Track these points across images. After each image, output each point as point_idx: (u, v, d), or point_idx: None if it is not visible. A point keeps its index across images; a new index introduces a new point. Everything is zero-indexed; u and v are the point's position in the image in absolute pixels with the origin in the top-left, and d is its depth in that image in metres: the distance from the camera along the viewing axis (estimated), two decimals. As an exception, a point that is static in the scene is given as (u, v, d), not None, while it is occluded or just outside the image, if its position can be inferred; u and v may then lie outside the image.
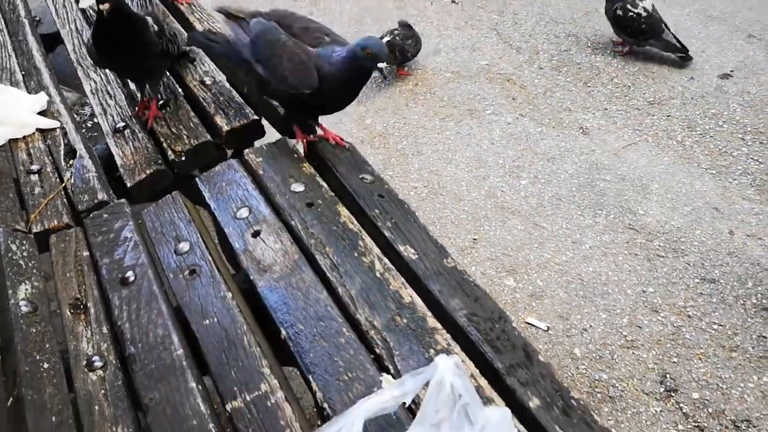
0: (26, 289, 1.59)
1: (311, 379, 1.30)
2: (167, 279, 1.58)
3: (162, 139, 2.04)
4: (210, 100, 2.13)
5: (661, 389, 2.18)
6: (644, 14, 3.52)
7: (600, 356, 2.29)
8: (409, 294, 1.43)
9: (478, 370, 1.27)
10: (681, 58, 3.58)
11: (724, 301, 2.42)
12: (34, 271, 1.66)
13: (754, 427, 2.05)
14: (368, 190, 1.72)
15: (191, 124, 2.08)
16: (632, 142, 3.20)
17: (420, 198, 3.02)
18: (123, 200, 1.85)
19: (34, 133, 2.16)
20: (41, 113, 2.24)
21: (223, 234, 1.68)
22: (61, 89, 2.45)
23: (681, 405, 2.13)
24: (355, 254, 1.54)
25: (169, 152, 1.99)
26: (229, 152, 2.13)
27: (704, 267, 2.54)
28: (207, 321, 1.45)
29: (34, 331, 1.49)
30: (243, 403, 1.29)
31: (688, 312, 2.39)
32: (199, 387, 1.33)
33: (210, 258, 1.59)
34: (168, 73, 2.28)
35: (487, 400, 1.21)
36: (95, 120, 2.26)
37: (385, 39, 3.65)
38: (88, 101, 2.41)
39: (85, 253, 1.69)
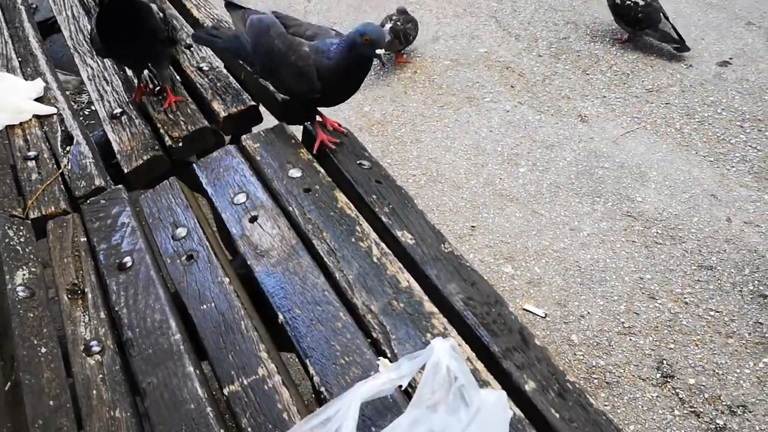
0: (23, 275, 1.59)
1: (308, 364, 1.30)
2: (165, 264, 1.58)
3: (159, 125, 2.03)
4: (207, 86, 2.13)
5: (658, 375, 2.19)
6: (642, 3, 3.51)
7: (597, 342, 2.30)
8: (406, 279, 1.43)
9: (474, 354, 1.27)
10: (676, 49, 3.57)
11: (721, 287, 2.42)
12: (31, 256, 1.66)
13: (749, 412, 2.06)
14: (366, 175, 1.72)
15: (188, 110, 2.07)
16: (631, 130, 3.20)
17: (418, 186, 3.02)
18: (120, 186, 1.85)
19: (30, 120, 2.15)
20: (38, 100, 2.23)
21: (221, 219, 1.68)
22: (57, 73, 2.44)
23: (677, 390, 2.14)
24: (353, 239, 1.54)
25: (167, 138, 1.99)
26: (227, 138, 2.13)
27: (701, 254, 2.55)
28: (204, 306, 1.45)
29: (32, 316, 1.49)
30: (240, 386, 1.29)
31: (685, 299, 2.40)
32: (197, 371, 1.33)
33: (207, 243, 1.59)
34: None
35: (483, 384, 1.21)
36: (93, 107, 2.24)
37: (387, 25, 3.65)
38: (85, 89, 2.40)
39: (83, 239, 1.69)
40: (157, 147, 1.98)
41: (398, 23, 3.68)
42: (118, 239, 1.65)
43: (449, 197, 2.94)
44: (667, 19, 3.52)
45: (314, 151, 1.81)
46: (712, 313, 2.35)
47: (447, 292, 1.40)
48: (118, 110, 2.13)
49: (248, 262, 1.53)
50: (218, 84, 2.13)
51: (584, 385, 2.14)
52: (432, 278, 1.44)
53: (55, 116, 2.17)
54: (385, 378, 1.12)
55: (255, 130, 2.02)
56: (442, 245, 1.51)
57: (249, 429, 1.22)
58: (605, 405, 2.11)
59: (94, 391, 1.33)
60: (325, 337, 1.33)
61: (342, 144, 1.82)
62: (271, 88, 2.02)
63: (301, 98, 1.80)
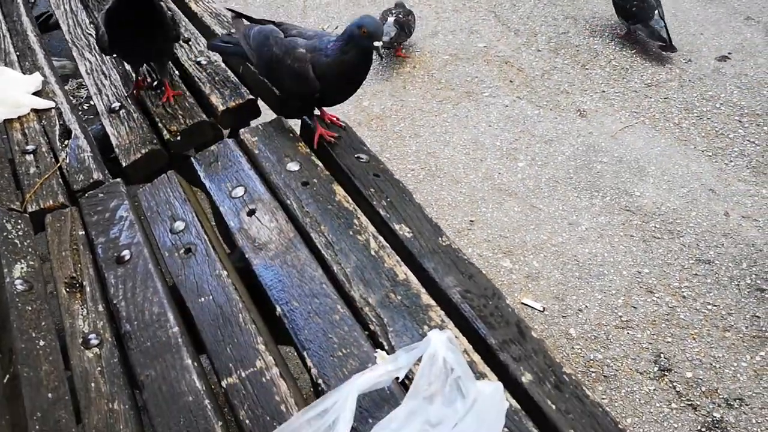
0: (22, 268, 1.59)
1: (306, 356, 1.31)
2: (163, 258, 1.59)
3: (157, 119, 2.03)
4: (205, 79, 2.13)
5: (655, 369, 2.19)
6: None
7: (595, 336, 2.30)
8: (403, 271, 1.43)
9: (471, 346, 1.28)
10: (662, 47, 3.54)
11: (718, 281, 2.43)
12: (30, 250, 1.66)
13: (746, 405, 2.06)
14: (364, 169, 1.72)
15: (187, 104, 2.07)
16: (629, 125, 3.20)
17: (417, 180, 3.02)
18: (118, 180, 1.85)
19: (29, 114, 2.15)
20: (36, 93, 2.23)
21: (219, 213, 1.68)
22: (52, 60, 2.44)
23: (674, 384, 2.14)
24: (350, 232, 1.54)
25: (165, 132, 1.99)
26: (225, 132, 2.13)
27: (699, 248, 2.55)
28: (202, 299, 1.46)
29: (30, 309, 1.49)
30: (238, 379, 1.29)
31: (683, 292, 2.40)
32: (195, 364, 1.34)
33: (205, 237, 1.59)
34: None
35: (480, 375, 1.22)
36: (92, 102, 2.24)
37: (390, 18, 3.65)
38: (84, 83, 2.40)
39: (81, 233, 1.69)
40: (155, 141, 1.98)
41: (400, 16, 3.69)
42: (117, 233, 1.66)
43: (448, 192, 2.94)
44: (662, 18, 3.50)
45: (314, 146, 1.81)
46: (709, 306, 2.35)
47: (444, 284, 1.40)
48: (116, 104, 2.13)
49: (246, 255, 1.53)
50: (216, 78, 2.13)
51: (582, 379, 2.15)
52: (429, 271, 1.44)
53: (53, 110, 2.17)
54: (383, 370, 1.13)
55: (253, 123, 2.02)
56: (440, 238, 1.52)
57: (247, 421, 1.22)
58: (603, 398, 2.12)
59: (93, 384, 1.33)
60: (323, 329, 1.34)
61: (340, 138, 1.83)
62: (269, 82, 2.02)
63: (303, 99, 1.80)
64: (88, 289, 1.54)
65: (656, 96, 3.33)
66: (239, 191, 1.70)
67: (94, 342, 1.41)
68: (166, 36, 2.02)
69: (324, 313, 1.37)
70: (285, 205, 1.65)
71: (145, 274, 1.53)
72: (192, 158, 1.85)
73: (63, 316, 1.48)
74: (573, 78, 3.54)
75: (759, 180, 2.81)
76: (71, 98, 2.31)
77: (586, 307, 2.40)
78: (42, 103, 2.18)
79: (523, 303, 2.44)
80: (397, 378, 1.17)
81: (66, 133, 2.07)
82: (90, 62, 2.36)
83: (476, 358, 1.25)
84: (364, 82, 1.78)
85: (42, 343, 1.42)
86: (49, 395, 1.32)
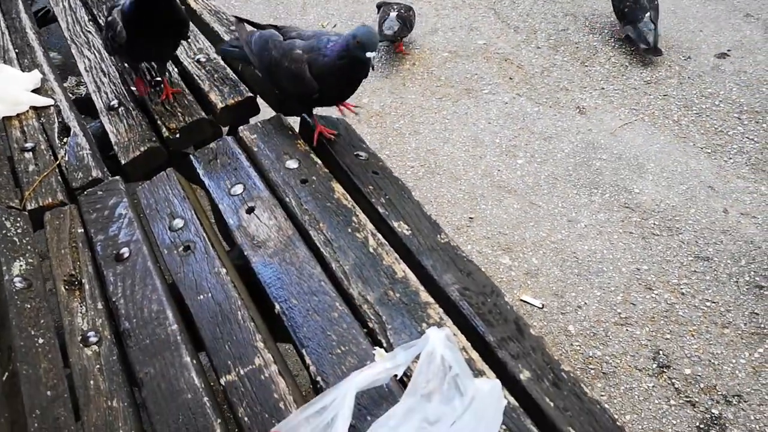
0: (20, 266, 1.60)
1: (305, 353, 1.31)
2: (162, 255, 1.59)
3: (156, 117, 2.04)
4: (204, 77, 2.13)
5: (654, 365, 2.20)
6: None
7: (594, 333, 2.31)
8: (402, 269, 1.44)
9: (469, 344, 1.28)
10: (645, 50, 3.52)
11: (717, 278, 2.43)
12: (29, 248, 1.67)
13: (744, 402, 2.07)
14: (362, 166, 1.72)
15: (185, 102, 2.08)
16: (629, 122, 3.20)
17: (417, 177, 3.02)
18: (117, 177, 1.85)
19: (27, 111, 2.15)
20: (35, 91, 2.23)
21: (218, 210, 1.68)
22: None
23: (673, 381, 2.15)
24: (349, 230, 1.54)
25: (164, 129, 1.99)
26: (224, 129, 2.13)
27: (698, 245, 2.55)
28: (201, 296, 1.46)
29: (29, 306, 1.49)
30: (237, 376, 1.30)
31: (682, 289, 2.41)
32: (194, 361, 1.34)
33: (204, 234, 1.60)
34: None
35: (478, 373, 1.22)
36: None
37: (393, 14, 3.66)
38: (83, 81, 2.40)
39: (80, 230, 1.69)
40: (154, 138, 1.98)
41: (402, 11, 3.70)
42: (116, 230, 1.66)
43: (447, 189, 2.94)
44: (652, 21, 3.47)
45: (314, 143, 1.81)
46: (708, 303, 2.36)
47: (443, 282, 1.41)
48: (115, 101, 2.13)
49: (245, 253, 1.54)
50: (215, 75, 2.13)
51: (581, 376, 2.16)
52: (428, 268, 1.44)
53: (52, 107, 2.17)
54: (381, 367, 1.13)
55: (252, 121, 2.02)
56: (438, 236, 1.52)
57: (246, 419, 1.23)
58: (602, 395, 2.12)
59: (92, 382, 1.34)
60: (322, 327, 1.34)
61: (339, 135, 1.83)
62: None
63: (301, 100, 1.80)
64: (87, 286, 1.54)
65: (655, 93, 3.33)
66: (238, 189, 1.70)
67: (93, 339, 1.42)
68: (182, 34, 2.02)
69: (323, 310, 1.37)
70: (284, 202, 1.65)
71: (144, 272, 1.53)
72: (191, 156, 1.85)
73: (62, 313, 1.48)
74: (572, 75, 3.54)
75: (758, 177, 2.81)
76: (69, 94, 2.31)
77: (585, 304, 2.41)
78: (41, 101, 2.18)
79: (522, 300, 2.44)
80: (396, 375, 1.17)
81: (65, 130, 2.07)
82: (89, 59, 2.36)
83: (474, 355, 1.26)
84: (363, 80, 1.78)
85: (41, 340, 1.43)
86: (48, 393, 1.33)
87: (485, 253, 2.64)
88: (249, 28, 1.94)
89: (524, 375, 1.22)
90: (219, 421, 1.23)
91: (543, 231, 2.70)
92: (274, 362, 1.30)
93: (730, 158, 2.92)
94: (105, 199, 1.76)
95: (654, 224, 2.66)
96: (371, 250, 1.49)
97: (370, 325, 1.34)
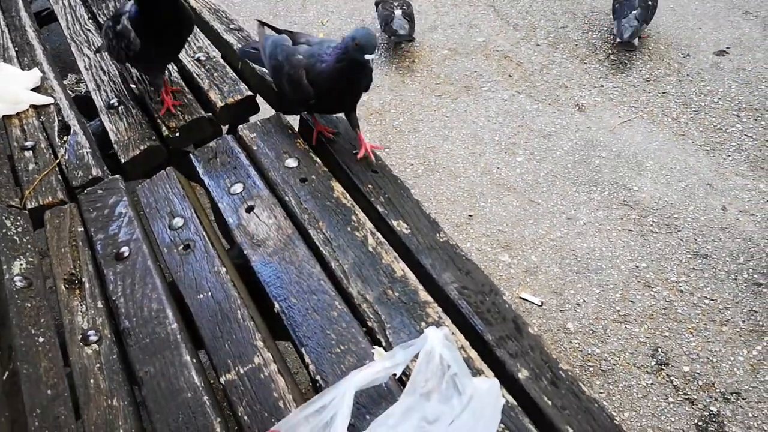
0: (21, 265, 1.60)
1: (304, 352, 1.32)
2: (161, 254, 1.60)
3: (156, 115, 2.04)
4: (204, 76, 2.13)
5: (653, 363, 2.20)
6: None
7: (593, 331, 2.31)
8: (401, 268, 1.44)
9: (468, 343, 1.29)
10: (618, 43, 3.53)
11: (716, 276, 2.43)
12: (29, 246, 1.67)
13: (743, 399, 2.08)
14: (362, 165, 1.73)
15: (185, 100, 2.08)
16: (628, 119, 3.20)
17: (416, 175, 3.03)
18: (117, 176, 1.85)
19: (27, 110, 2.16)
20: (35, 89, 2.24)
21: (218, 209, 1.69)
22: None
23: (672, 378, 2.15)
24: (348, 229, 1.55)
25: (163, 128, 1.99)
26: (224, 128, 2.14)
27: (697, 242, 2.56)
28: (201, 295, 1.46)
29: (29, 305, 1.50)
30: (237, 375, 1.30)
31: (681, 287, 2.41)
32: (194, 360, 1.35)
33: (204, 233, 1.60)
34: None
35: (477, 372, 1.23)
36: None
37: (397, 11, 3.65)
38: (82, 78, 2.40)
39: (80, 229, 1.70)
40: (154, 137, 1.99)
41: (404, 7, 3.70)
42: (116, 229, 1.66)
43: (447, 186, 2.95)
44: (637, 19, 3.45)
45: (313, 142, 1.82)
46: (706, 301, 2.36)
47: (442, 281, 1.41)
48: (115, 100, 2.13)
49: (245, 252, 1.54)
50: (215, 74, 2.13)
51: (580, 373, 2.17)
52: (427, 267, 1.45)
53: (51, 106, 2.17)
54: (380, 366, 1.14)
55: (252, 119, 2.02)
56: (437, 234, 1.52)
57: (245, 417, 1.23)
58: (600, 392, 2.13)
59: (92, 380, 1.34)
60: (321, 326, 1.35)
61: (339, 134, 1.83)
62: (268, 78, 2.02)
63: (299, 105, 1.80)
64: (87, 285, 1.55)
65: (654, 91, 3.33)
66: (238, 187, 1.70)
67: (93, 338, 1.42)
68: (189, 28, 2.01)
69: (322, 309, 1.38)
70: (283, 201, 1.65)
71: (144, 271, 1.54)
72: (191, 154, 1.86)
73: (62, 312, 1.49)
74: (572, 72, 3.54)
75: (756, 174, 2.82)
76: (69, 93, 2.31)
77: (584, 301, 2.41)
78: (41, 99, 2.18)
79: (521, 297, 2.45)
80: (395, 374, 1.18)
81: (65, 129, 2.07)
82: (89, 58, 2.37)
83: (473, 354, 1.26)
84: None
85: (41, 339, 1.43)
86: (49, 392, 1.33)
87: (484, 250, 2.64)
88: (268, 31, 1.94)
89: (522, 374, 1.23)
90: (219, 419, 1.24)
91: (542, 229, 2.70)
92: (273, 361, 1.31)
93: (729, 156, 2.93)
94: (105, 197, 1.76)
95: (653, 222, 2.67)
96: (370, 249, 1.49)
97: (369, 324, 1.34)
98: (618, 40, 3.48)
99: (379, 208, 1.60)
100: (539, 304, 2.42)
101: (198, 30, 2.36)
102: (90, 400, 1.31)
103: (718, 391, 2.11)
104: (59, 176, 1.92)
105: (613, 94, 3.35)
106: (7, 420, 1.32)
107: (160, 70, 2.08)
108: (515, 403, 1.19)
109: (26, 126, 2.10)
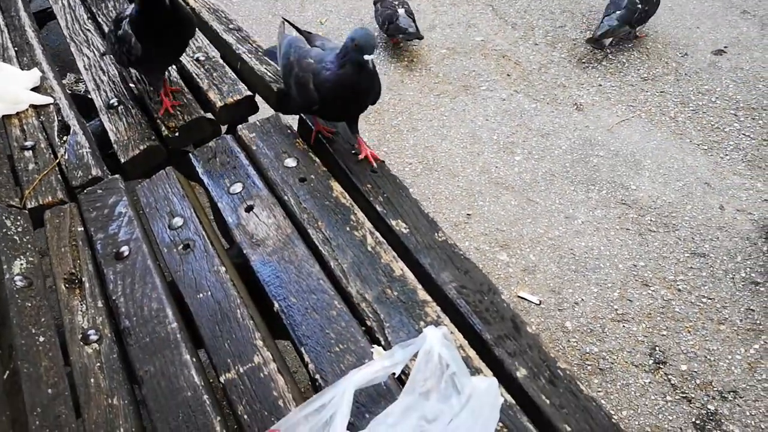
0: (21, 264, 1.61)
1: (303, 351, 1.32)
2: (161, 253, 1.60)
3: (155, 115, 2.04)
4: (203, 75, 2.14)
5: (650, 361, 2.21)
6: None
7: (591, 329, 2.32)
8: (400, 267, 1.45)
9: (467, 342, 1.29)
10: (588, 39, 3.59)
11: (713, 275, 2.44)
12: (29, 246, 1.68)
13: (740, 397, 2.08)
14: (361, 165, 1.73)
15: (184, 100, 2.08)
16: (626, 118, 3.21)
17: (415, 174, 3.03)
18: (117, 176, 1.86)
19: (27, 110, 2.16)
20: (34, 89, 2.24)
21: (217, 209, 1.70)
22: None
23: (669, 377, 2.16)
24: (347, 228, 1.55)
25: (163, 128, 2.00)
26: (223, 128, 2.14)
27: (694, 241, 2.57)
28: (201, 295, 1.47)
29: (30, 305, 1.51)
30: (236, 374, 1.31)
31: (678, 286, 2.42)
32: (194, 359, 1.35)
33: (203, 233, 1.61)
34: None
35: (475, 371, 1.23)
36: (89, 96, 2.24)
37: (401, 9, 3.66)
38: (81, 77, 2.40)
39: (80, 229, 1.70)
40: (153, 137, 1.99)
41: (405, 4, 3.71)
42: (115, 229, 1.67)
43: (445, 185, 2.95)
44: (617, 20, 3.46)
45: (311, 142, 1.82)
46: (704, 300, 2.37)
47: (440, 280, 1.42)
48: (114, 100, 2.14)
49: (244, 251, 1.55)
50: (214, 74, 2.14)
51: (578, 372, 2.17)
52: (426, 267, 1.46)
53: (51, 106, 2.17)
54: (379, 366, 1.14)
55: (251, 119, 2.03)
56: (436, 234, 1.53)
57: (245, 416, 1.24)
58: (598, 391, 2.14)
59: (92, 380, 1.35)
60: (320, 325, 1.35)
61: (338, 134, 1.84)
62: (268, 78, 2.03)
63: (304, 109, 1.79)
64: (87, 285, 1.55)
65: (652, 90, 3.34)
66: (237, 187, 1.71)
67: (94, 338, 1.43)
68: (191, 30, 2.00)
69: (321, 308, 1.38)
70: (283, 201, 1.66)
71: (144, 270, 1.54)
72: (190, 154, 1.86)
73: (62, 312, 1.49)
74: (570, 72, 3.54)
75: (754, 173, 2.83)
76: (68, 91, 2.31)
77: (582, 300, 2.42)
78: (40, 99, 2.19)
79: (519, 296, 2.46)
80: (394, 374, 1.19)
81: (64, 129, 2.08)
82: (88, 58, 2.37)
83: (472, 353, 1.27)
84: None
85: (42, 339, 1.44)
86: (49, 391, 1.34)
87: (483, 249, 2.65)
88: (287, 29, 1.94)
89: (521, 373, 1.23)
90: (218, 418, 1.24)
91: (540, 228, 2.71)
92: (273, 360, 1.32)
93: (727, 155, 2.94)
94: (105, 197, 1.77)
95: (651, 221, 2.67)
96: (369, 248, 1.50)
97: (369, 323, 1.35)
98: (590, 35, 3.52)
99: (378, 208, 1.60)
100: (537, 303, 2.43)
101: (197, 30, 2.36)
102: (90, 399, 1.32)
103: (715, 389, 2.12)
104: (59, 176, 1.92)
105: (611, 94, 3.36)
106: (8, 419, 1.33)
107: (160, 72, 2.08)
108: (513, 401, 1.20)
109: (26, 126, 2.10)
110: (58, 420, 1.29)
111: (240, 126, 1.90)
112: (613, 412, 2.08)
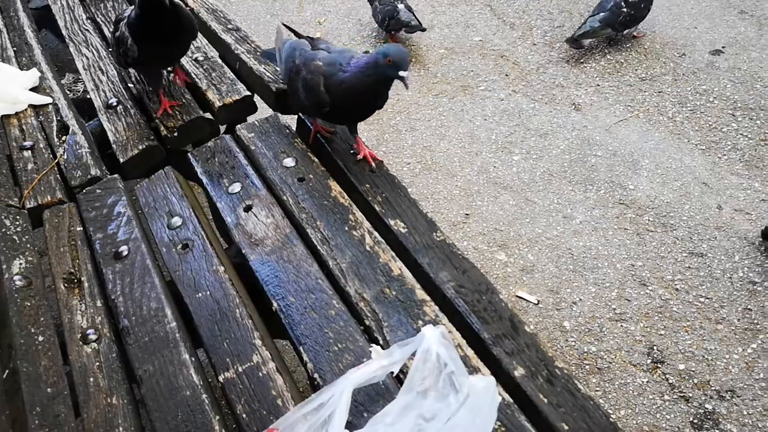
0: (20, 264, 1.61)
1: (302, 351, 1.33)
2: (160, 253, 1.60)
3: (154, 115, 2.04)
4: (202, 76, 2.14)
5: (648, 361, 2.22)
6: None
7: (589, 329, 2.33)
8: (398, 267, 1.45)
9: (465, 341, 1.30)
10: (568, 38, 3.62)
11: (711, 274, 2.45)
12: (28, 246, 1.68)
13: (737, 397, 2.09)
14: (359, 165, 1.74)
15: (183, 100, 2.09)
16: (624, 118, 3.21)
17: (413, 174, 3.04)
18: (116, 176, 1.86)
19: (26, 110, 2.16)
20: (33, 89, 2.24)
21: (216, 209, 1.70)
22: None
23: (667, 376, 2.17)
24: (346, 228, 1.56)
25: (162, 128, 2.00)
26: (222, 128, 2.14)
27: (692, 241, 2.57)
28: (200, 294, 1.47)
29: (29, 304, 1.51)
30: (235, 374, 1.31)
31: (676, 285, 2.43)
32: (193, 359, 1.36)
33: (202, 232, 1.61)
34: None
35: (473, 370, 1.24)
36: (88, 96, 2.25)
37: (400, 5, 3.67)
38: (80, 77, 2.41)
39: (79, 228, 1.71)
40: (152, 137, 1.99)
41: (406, 2, 3.72)
42: (114, 228, 1.67)
43: (443, 185, 2.96)
44: (599, 21, 3.48)
45: (310, 142, 1.82)
46: (702, 299, 2.38)
47: (438, 280, 1.42)
48: (113, 100, 2.14)
49: (243, 251, 1.55)
50: (213, 74, 2.14)
51: (575, 371, 2.18)
52: (424, 266, 1.46)
53: (50, 106, 2.18)
54: (377, 365, 1.15)
55: (250, 119, 2.03)
56: (434, 233, 1.53)
57: (244, 415, 1.24)
58: (596, 390, 2.14)
59: (91, 379, 1.35)
60: (319, 324, 1.36)
61: (336, 134, 1.84)
62: (266, 78, 2.03)
63: (311, 112, 1.79)
64: (86, 284, 1.55)
65: (650, 90, 3.35)
66: (236, 187, 1.71)
67: (93, 337, 1.43)
68: (191, 34, 1.99)
69: (320, 308, 1.39)
70: (281, 200, 1.66)
71: (143, 270, 1.55)
72: (189, 154, 1.87)
73: (61, 311, 1.50)
74: (568, 72, 3.55)
75: (752, 173, 2.83)
76: (67, 92, 2.32)
77: (581, 299, 2.42)
78: (39, 99, 2.19)
79: (517, 296, 2.46)
80: (392, 373, 1.19)
81: (63, 129, 2.08)
82: (87, 58, 2.37)
83: (470, 352, 1.27)
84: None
85: (41, 338, 1.44)
86: (48, 390, 1.34)
87: (481, 249, 2.66)
88: (285, 34, 1.94)
89: (518, 372, 1.24)
90: (217, 417, 1.25)
91: (538, 227, 2.72)
92: (271, 359, 1.32)
93: (724, 155, 2.94)
94: (104, 197, 1.77)
95: (648, 220, 2.68)
96: (368, 248, 1.50)
97: (367, 322, 1.35)
98: (571, 35, 3.54)
99: (377, 207, 1.61)
100: (535, 302, 2.44)
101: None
102: (89, 398, 1.32)
103: (713, 389, 2.12)
104: (58, 176, 1.92)
105: (609, 93, 3.37)
106: (8, 418, 1.33)
107: (160, 74, 2.08)
108: (511, 400, 1.20)
109: (25, 126, 2.11)
110: (57, 419, 1.29)
111: (239, 126, 1.91)
112: (610, 411, 2.08)
